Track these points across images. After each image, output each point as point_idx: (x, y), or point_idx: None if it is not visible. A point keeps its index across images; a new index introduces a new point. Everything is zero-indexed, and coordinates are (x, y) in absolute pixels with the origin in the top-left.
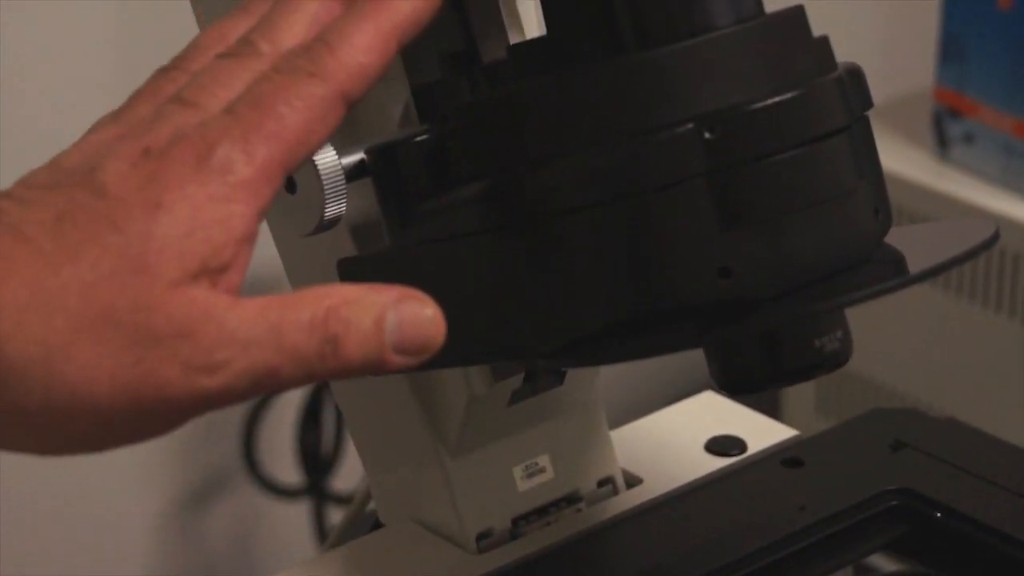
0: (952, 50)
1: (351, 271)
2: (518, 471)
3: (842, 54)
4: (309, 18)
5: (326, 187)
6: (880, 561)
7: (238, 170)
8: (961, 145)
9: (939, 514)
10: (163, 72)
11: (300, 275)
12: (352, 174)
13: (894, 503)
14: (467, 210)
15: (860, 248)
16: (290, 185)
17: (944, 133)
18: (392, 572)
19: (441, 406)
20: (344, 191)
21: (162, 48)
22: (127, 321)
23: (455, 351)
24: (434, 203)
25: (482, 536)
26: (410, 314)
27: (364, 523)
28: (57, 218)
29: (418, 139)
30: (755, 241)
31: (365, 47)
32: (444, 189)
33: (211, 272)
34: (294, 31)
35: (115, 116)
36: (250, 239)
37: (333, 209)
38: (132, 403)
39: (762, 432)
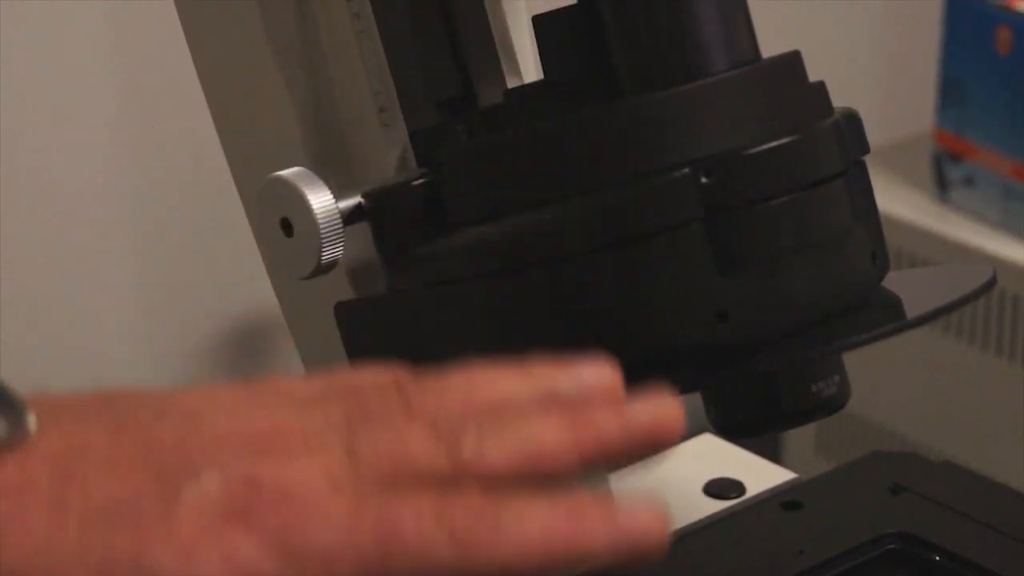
0: (952, 93)
1: (348, 314)
2: None
3: (843, 97)
4: (526, 444)
5: (323, 231)
6: None
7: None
8: (961, 188)
9: (938, 558)
10: (392, 385)
11: (297, 318)
12: (350, 218)
13: (893, 547)
14: (464, 255)
15: (857, 292)
16: (287, 228)
17: (944, 176)
18: None
19: None
20: (341, 235)
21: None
22: None
23: None
24: (431, 247)
25: None
26: None
27: None
28: (97, 559)
29: (415, 183)
30: (752, 285)
31: (531, 541)
32: (441, 233)
33: None
34: (505, 452)
35: (302, 403)
36: None
37: (330, 253)
38: None
39: (761, 475)
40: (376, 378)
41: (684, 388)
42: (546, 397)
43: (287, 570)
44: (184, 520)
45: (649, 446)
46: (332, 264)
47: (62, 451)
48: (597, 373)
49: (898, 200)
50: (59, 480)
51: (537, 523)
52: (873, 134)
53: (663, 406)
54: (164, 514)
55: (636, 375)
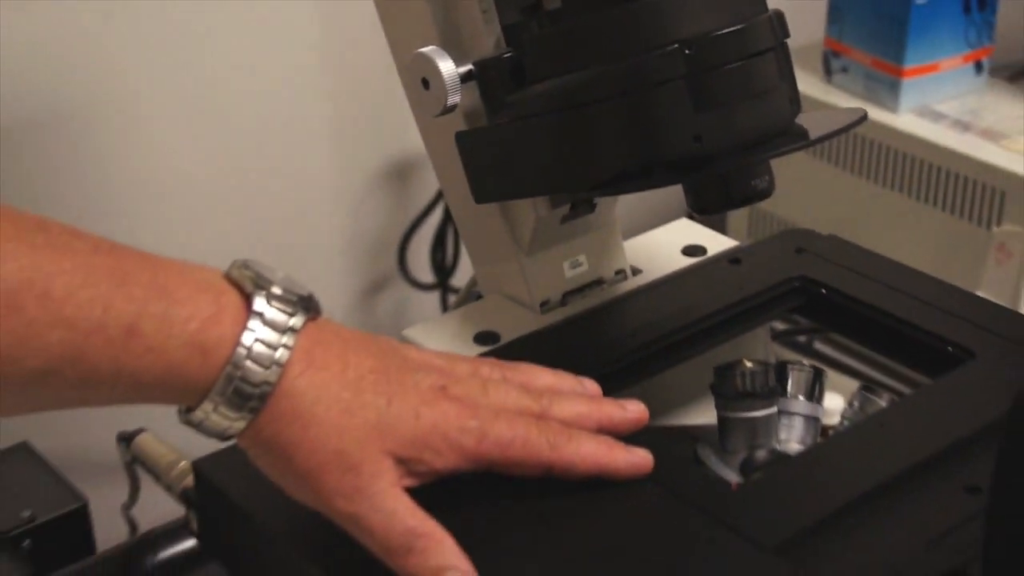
0: (835, 14)
1: (465, 140)
2: (566, 265)
3: None
4: (574, 408)
5: (447, 85)
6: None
7: (467, 443)
8: (839, 73)
9: (824, 291)
10: (492, 364)
11: (433, 143)
12: (464, 78)
13: (796, 285)
14: (537, 100)
15: (781, 124)
16: (425, 84)
17: (829, 66)
18: (486, 324)
19: (519, 223)
20: (459, 88)
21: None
22: (349, 471)
23: (529, 187)
24: (516, 96)
25: (544, 303)
26: None
27: (471, 298)
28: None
29: (506, 56)
30: (717, 118)
31: (586, 456)
32: (522, 87)
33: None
34: (565, 410)
35: (459, 363)
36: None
37: (452, 100)
38: (313, 499)
39: (716, 242)
40: (479, 361)
41: (673, 182)
42: (572, 388)
43: (472, 423)
44: (413, 392)
45: (626, 426)
46: (453, 107)
47: (346, 337)
48: (593, 385)
49: (799, 81)
50: (341, 351)
51: (590, 446)
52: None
53: (637, 407)
54: (401, 386)
55: (646, 176)
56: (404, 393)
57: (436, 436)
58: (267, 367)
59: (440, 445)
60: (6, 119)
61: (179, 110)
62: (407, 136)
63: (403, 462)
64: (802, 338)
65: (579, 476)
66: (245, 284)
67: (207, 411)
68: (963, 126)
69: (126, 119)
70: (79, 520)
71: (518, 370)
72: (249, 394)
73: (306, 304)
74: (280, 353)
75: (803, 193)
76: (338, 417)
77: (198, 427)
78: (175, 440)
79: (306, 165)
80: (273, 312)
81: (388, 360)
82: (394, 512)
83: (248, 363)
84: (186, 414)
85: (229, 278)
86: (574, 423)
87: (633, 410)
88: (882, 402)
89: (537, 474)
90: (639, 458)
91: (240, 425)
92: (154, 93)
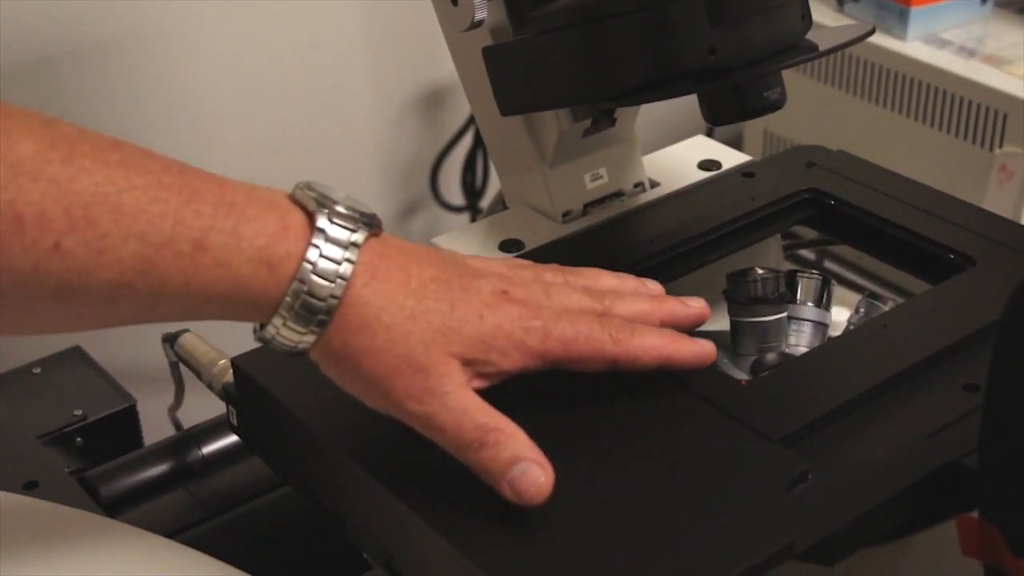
0: None
1: (491, 53)
2: (587, 177)
3: None
4: (635, 306)
5: (475, 0)
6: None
7: (531, 342)
8: (851, 3)
9: (832, 203)
10: (554, 270)
11: (461, 60)
12: None
13: (807, 196)
14: (559, 14)
15: (792, 38)
16: (454, 1)
17: None
18: (511, 232)
19: (542, 136)
20: (485, 3)
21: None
22: (418, 373)
23: (552, 99)
24: (539, 11)
25: (565, 214)
26: (532, 474)
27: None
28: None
29: None
30: (732, 32)
31: (650, 348)
32: (544, 2)
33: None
34: (626, 308)
35: (522, 269)
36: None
37: (479, 15)
38: (385, 403)
39: (730, 157)
40: (541, 267)
41: (690, 91)
42: (635, 289)
43: (535, 322)
44: (475, 297)
45: (688, 322)
46: (480, 22)
47: (408, 250)
48: (656, 285)
49: (813, 11)
50: (403, 263)
51: (653, 339)
52: None
53: (699, 303)
54: (464, 292)
55: (663, 87)
56: (467, 298)
57: (500, 336)
58: (332, 281)
59: (505, 345)
60: (42, 48)
61: (217, 39)
62: (440, 65)
63: (470, 363)
64: (810, 255)
65: (644, 369)
66: (308, 203)
67: (277, 326)
68: (968, 53)
69: (163, 46)
70: (128, 419)
71: (580, 274)
72: (316, 308)
73: (368, 221)
74: (344, 267)
75: (815, 117)
76: (403, 323)
77: (270, 343)
78: (216, 342)
79: (343, 92)
80: (335, 229)
81: (450, 269)
82: (464, 410)
83: (314, 277)
84: (259, 332)
85: (293, 198)
86: (636, 320)
87: (695, 306)
88: (886, 308)
89: (602, 369)
90: (703, 348)
91: (310, 339)
92: (190, 22)
